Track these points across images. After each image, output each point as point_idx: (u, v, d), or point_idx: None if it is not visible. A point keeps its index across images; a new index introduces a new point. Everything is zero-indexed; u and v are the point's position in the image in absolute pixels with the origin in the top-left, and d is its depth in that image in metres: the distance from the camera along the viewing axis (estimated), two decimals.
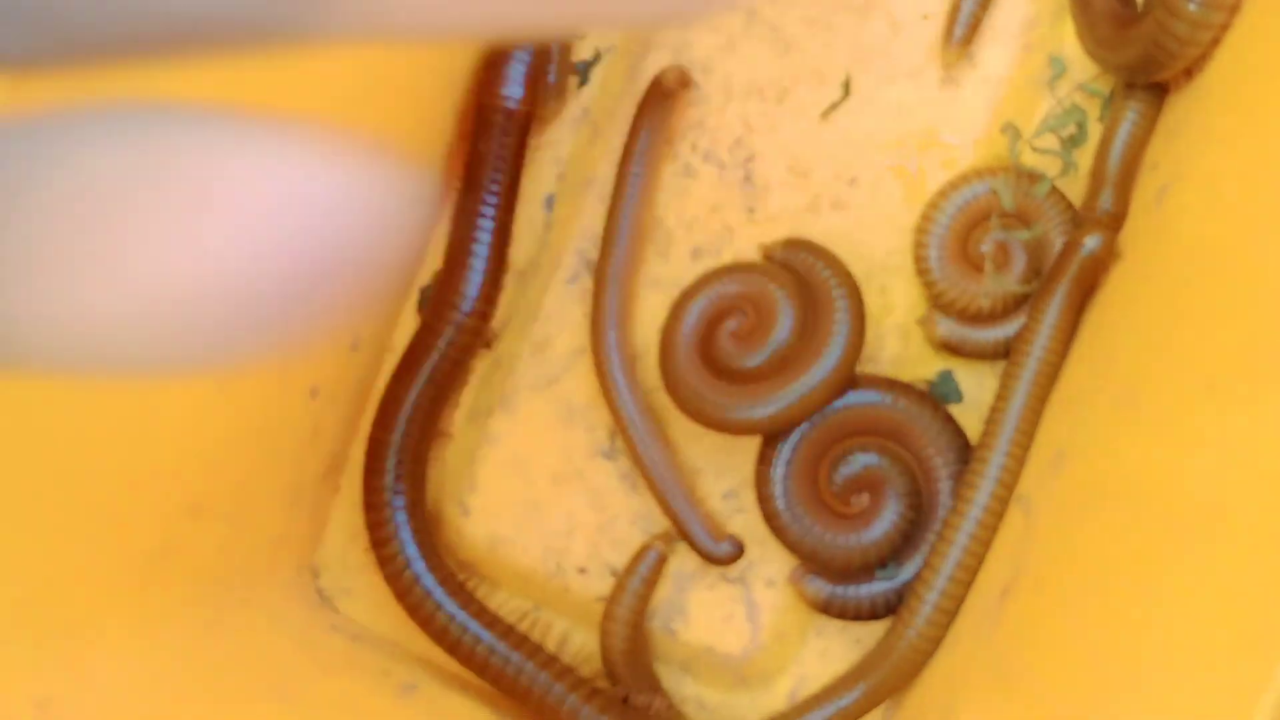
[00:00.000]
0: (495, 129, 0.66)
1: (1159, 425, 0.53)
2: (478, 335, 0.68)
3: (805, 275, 0.65)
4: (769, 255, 0.65)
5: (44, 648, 0.49)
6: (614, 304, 0.66)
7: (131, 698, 0.52)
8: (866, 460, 0.64)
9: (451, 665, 0.66)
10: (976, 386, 0.67)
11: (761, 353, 0.64)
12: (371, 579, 0.69)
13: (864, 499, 0.65)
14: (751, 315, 0.65)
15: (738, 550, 0.67)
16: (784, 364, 0.64)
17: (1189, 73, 0.60)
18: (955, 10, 0.66)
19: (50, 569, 0.50)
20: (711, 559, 0.67)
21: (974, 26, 0.65)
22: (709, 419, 0.65)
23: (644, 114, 0.66)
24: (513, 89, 0.66)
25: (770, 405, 0.65)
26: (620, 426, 0.66)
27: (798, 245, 0.66)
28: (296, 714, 0.62)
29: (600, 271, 0.66)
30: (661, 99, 0.66)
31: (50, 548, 0.50)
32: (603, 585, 0.68)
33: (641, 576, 0.65)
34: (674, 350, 0.65)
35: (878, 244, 0.67)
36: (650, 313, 0.67)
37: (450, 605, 0.66)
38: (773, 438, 0.65)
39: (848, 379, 0.64)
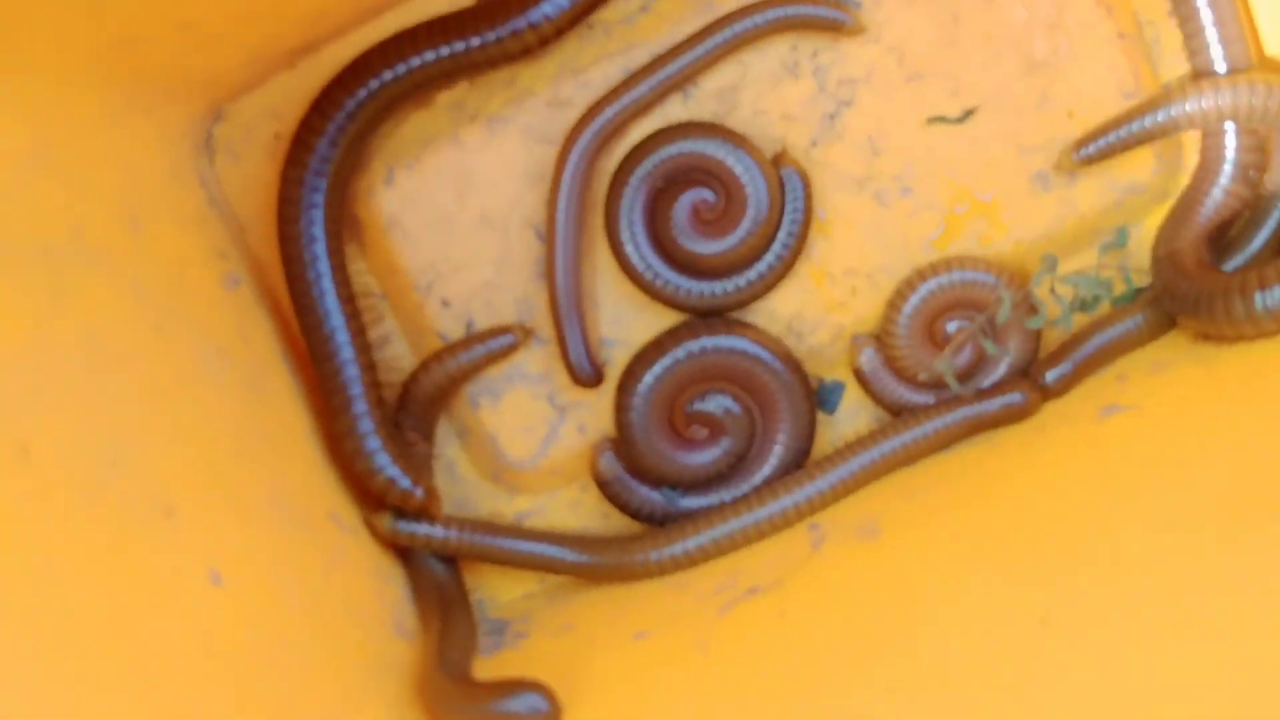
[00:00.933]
0: None
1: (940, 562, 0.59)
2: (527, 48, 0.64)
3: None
4: (778, 159, 0.65)
5: None
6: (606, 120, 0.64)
7: None
8: (724, 404, 0.67)
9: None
10: (852, 413, 0.70)
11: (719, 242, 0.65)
12: (262, 169, 0.66)
13: (702, 433, 0.68)
14: (721, 201, 0.65)
15: (596, 380, 0.68)
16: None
17: (1209, 336, 0.64)
18: (1102, 133, 0.66)
19: None
20: (571, 370, 0.67)
21: (1103, 156, 0.66)
22: (639, 281, 0.66)
23: None
24: None
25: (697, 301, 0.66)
26: (550, 215, 0.65)
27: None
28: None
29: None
30: None
31: None
32: (450, 328, 0.68)
33: (487, 349, 0.66)
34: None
35: (887, 252, 0.68)
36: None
37: (318, 248, 0.64)
38: (673, 334, 0.66)
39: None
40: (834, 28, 0.66)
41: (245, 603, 0.52)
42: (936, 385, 0.68)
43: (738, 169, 0.65)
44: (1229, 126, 0.65)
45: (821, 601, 0.61)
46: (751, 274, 0.67)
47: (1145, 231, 0.68)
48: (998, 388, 0.66)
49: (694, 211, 0.65)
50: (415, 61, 0.64)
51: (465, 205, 0.67)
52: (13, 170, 0.49)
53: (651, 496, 0.69)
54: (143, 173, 0.59)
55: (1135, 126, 0.65)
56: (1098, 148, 0.65)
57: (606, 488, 0.69)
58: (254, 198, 0.67)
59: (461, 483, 0.71)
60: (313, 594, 0.60)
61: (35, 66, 0.48)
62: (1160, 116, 0.65)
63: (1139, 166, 0.67)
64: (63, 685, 0.43)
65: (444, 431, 0.70)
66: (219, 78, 0.64)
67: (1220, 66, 0.64)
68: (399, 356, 0.69)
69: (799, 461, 0.68)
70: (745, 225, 0.65)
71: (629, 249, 0.66)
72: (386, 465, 0.64)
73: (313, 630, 0.57)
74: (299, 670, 0.54)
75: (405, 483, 0.64)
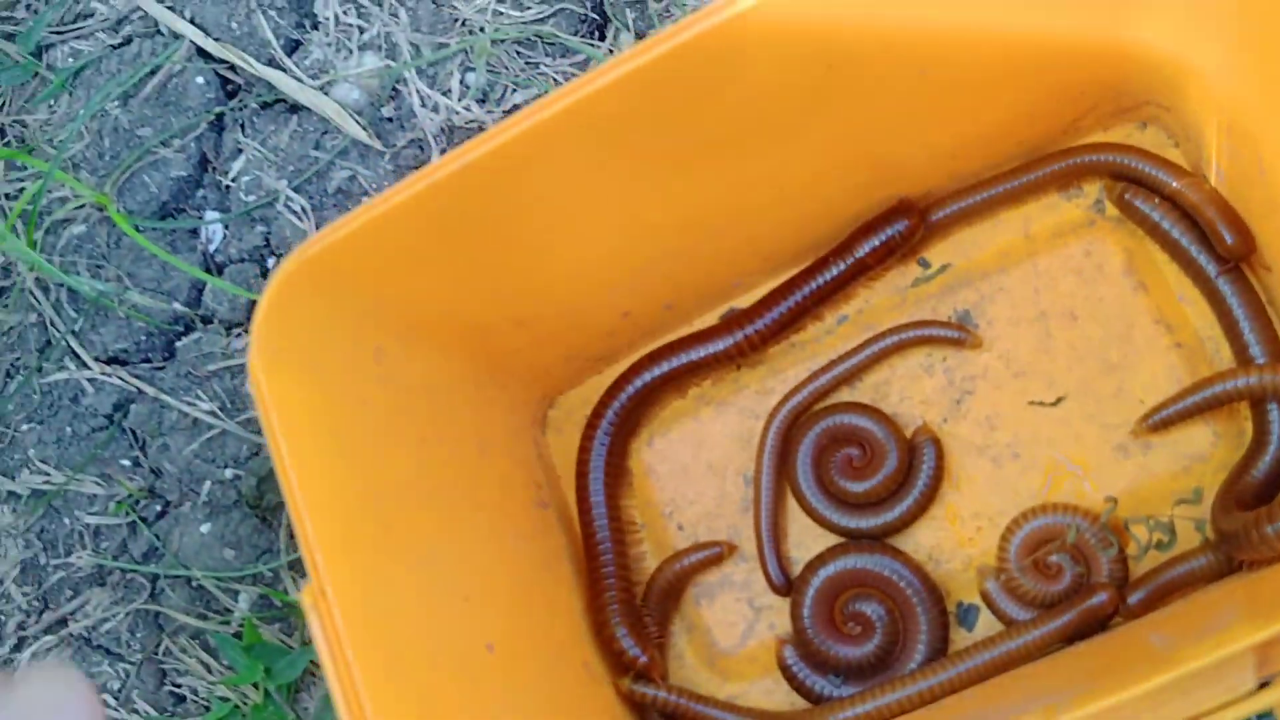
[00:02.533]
0: None
1: None
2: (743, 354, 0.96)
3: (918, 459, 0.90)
4: (917, 436, 0.90)
5: None
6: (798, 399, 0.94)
7: None
8: (874, 610, 0.89)
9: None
10: (988, 630, 0.90)
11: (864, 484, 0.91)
12: (574, 438, 1.00)
13: (856, 628, 0.90)
14: (862, 455, 0.90)
15: (787, 589, 0.93)
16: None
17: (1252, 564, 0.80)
18: (1173, 402, 0.86)
19: None
20: (768, 578, 0.93)
21: (1166, 425, 0.86)
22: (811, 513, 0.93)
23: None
24: None
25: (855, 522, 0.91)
26: (756, 467, 0.93)
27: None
28: None
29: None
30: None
31: None
32: (682, 542, 0.96)
33: (701, 555, 0.93)
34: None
35: (1004, 501, 0.91)
36: None
37: (599, 488, 0.96)
38: (832, 551, 0.91)
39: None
40: (959, 343, 0.93)
41: (512, 664, 0.80)
42: (1049, 605, 0.87)
43: (878, 434, 0.91)
44: (1272, 405, 0.84)
45: None
46: (894, 512, 0.91)
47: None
48: (1084, 591, 0.84)
49: (847, 461, 0.92)
50: (665, 367, 0.97)
51: (698, 459, 0.97)
52: (448, 397, 0.85)
53: (817, 683, 0.91)
54: (493, 422, 0.95)
55: (1190, 401, 0.85)
56: (1161, 417, 0.86)
57: (786, 672, 0.92)
58: (567, 455, 1.00)
59: (687, 668, 0.96)
60: (559, 708, 0.87)
61: (430, 338, 0.86)
62: (1207, 393, 0.84)
63: (1200, 440, 0.87)
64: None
65: (677, 627, 0.97)
66: (550, 372, 0.99)
67: (1259, 355, 0.85)
68: (646, 569, 0.97)
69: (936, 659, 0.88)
70: (881, 474, 0.90)
71: (804, 489, 0.93)
72: (622, 636, 0.91)
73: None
74: None
75: (634, 651, 0.91)
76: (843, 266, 0.93)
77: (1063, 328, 0.91)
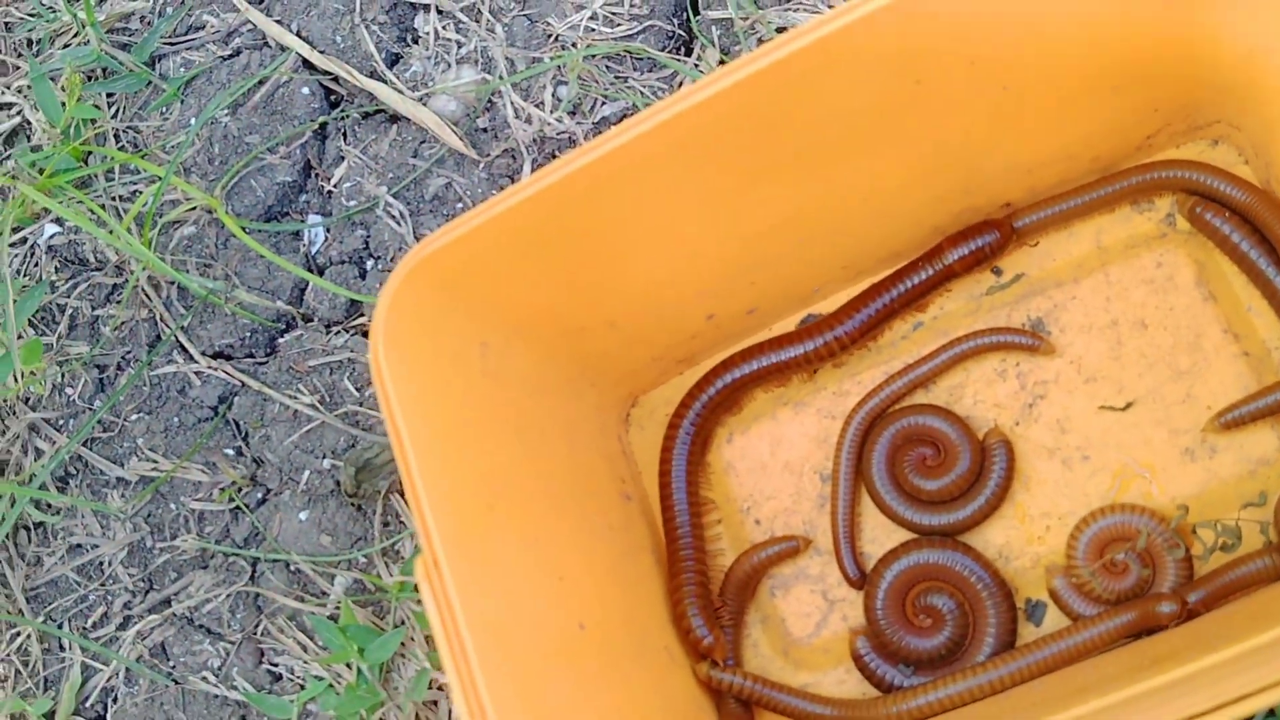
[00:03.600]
0: None
1: None
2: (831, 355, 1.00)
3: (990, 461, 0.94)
4: (989, 437, 0.94)
5: None
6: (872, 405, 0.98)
7: None
8: (945, 603, 0.93)
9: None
10: (1055, 626, 0.93)
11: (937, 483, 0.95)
12: (656, 435, 1.04)
13: (926, 621, 0.94)
14: (935, 455, 0.95)
15: (861, 581, 0.97)
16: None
17: None
18: (1245, 403, 0.89)
19: None
20: (844, 572, 0.97)
21: (1246, 421, 0.89)
22: (885, 509, 0.97)
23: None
24: None
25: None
26: (835, 465, 0.97)
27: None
28: None
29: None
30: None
31: None
32: (760, 539, 1.00)
33: (778, 548, 0.97)
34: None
35: (1073, 502, 0.94)
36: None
37: (681, 482, 1.00)
38: (905, 547, 0.95)
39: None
40: (1031, 350, 0.96)
41: (602, 643, 0.85)
42: (1115, 602, 0.90)
43: (952, 435, 0.95)
44: None
45: None
46: (966, 510, 0.95)
47: None
48: (1152, 597, 0.88)
49: (921, 460, 0.96)
50: (747, 369, 1.01)
51: (776, 457, 1.02)
52: (543, 392, 0.91)
53: (890, 672, 0.95)
54: (583, 417, 1.00)
55: (1261, 403, 0.88)
56: (1233, 416, 0.89)
57: (859, 661, 0.96)
58: (648, 450, 1.05)
59: (761, 657, 1.00)
60: (643, 687, 0.92)
61: (529, 336, 0.91)
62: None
63: (1266, 445, 0.90)
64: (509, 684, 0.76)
65: (753, 617, 1.01)
66: (636, 372, 1.04)
67: None
68: (723, 564, 1.02)
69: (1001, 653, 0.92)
70: (954, 473, 0.94)
71: (880, 486, 0.97)
72: (693, 616, 0.96)
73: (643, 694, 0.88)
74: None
75: (702, 631, 0.95)
76: (930, 272, 0.97)
77: (1133, 335, 0.95)
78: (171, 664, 1.16)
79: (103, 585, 1.20)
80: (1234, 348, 0.92)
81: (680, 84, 1.15)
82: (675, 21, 1.17)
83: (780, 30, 1.12)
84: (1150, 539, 0.89)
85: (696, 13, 1.17)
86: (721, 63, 1.14)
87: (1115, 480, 0.93)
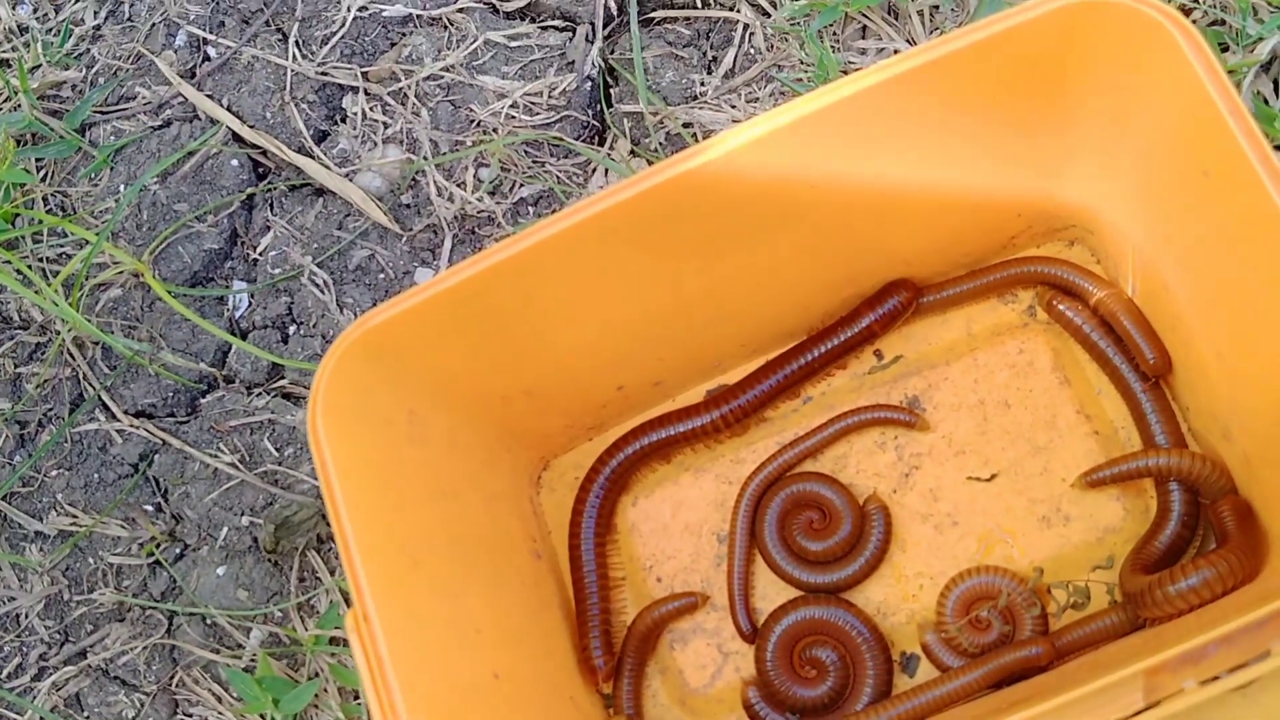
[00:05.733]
0: None
1: None
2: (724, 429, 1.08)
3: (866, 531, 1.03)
4: (869, 504, 1.04)
5: None
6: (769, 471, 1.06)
7: None
8: (828, 655, 1.02)
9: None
10: (926, 677, 1.02)
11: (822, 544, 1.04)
12: (566, 496, 1.12)
13: (811, 672, 1.02)
14: (821, 519, 1.04)
15: (753, 636, 1.05)
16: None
17: (1153, 620, 0.93)
18: (1117, 463, 0.99)
19: None
20: (738, 626, 1.05)
21: (1107, 483, 0.99)
22: (775, 569, 1.05)
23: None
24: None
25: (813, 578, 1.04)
26: (732, 527, 1.06)
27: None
28: None
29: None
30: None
31: None
32: (660, 593, 1.08)
33: (678, 604, 1.05)
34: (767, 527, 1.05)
35: (943, 563, 1.04)
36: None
37: (589, 543, 1.08)
38: (793, 603, 1.03)
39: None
40: (908, 425, 1.06)
41: (514, 693, 0.92)
42: (979, 655, 1.00)
43: (836, 501, 1.04)
44: (1173, 486, 0.98)
45: None
46: (848, 570, 1.04)
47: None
48: (1015, 644, 0.97)
49: (808, 524, 1.05)
50: (654, 437, 1.10)
51: (676, 519, 1.10)
52: (465, 456, 0.98)
53: None
54: (499, 479, 1.07)
55: (1125, 466, 0.98)
56: (1098, 476, 0.99)
57: (750, 710, 1.03)
58: (557, 511, 1.13)
59: (660, 706, 1.07)
60: None
61: (453, 403, 0.98)
62: (1135, 464, 0.98)
63: (1112, 514, 1.01)
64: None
65: (653, 669, 1.08)
66: (549, 438, 1.12)
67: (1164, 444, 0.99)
68: (631, 616, 1.09)
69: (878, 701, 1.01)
70: (837, 536, 1.03)
71: (771, 547, 1.06)
72: (597, 651, 1.03)
73: None
74: None
75: (600, 662, 1.03)
76: (851, 333, 1.05)
77: (998, 414, 1.05)
78: (86, 715, 1.19)
79: (18, 636, 1.22)
80: (1085, 427, 1.04)
81: (593, 170, 1.24)
82: (590, 113, 1.26)
83: (686, 125, 1.22)
84: (1011, 598, 0.99)
85: (609, 106, 1.26)
86: (632, 153, 1.24)
87: (981, 544, 1.03)
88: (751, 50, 1.25)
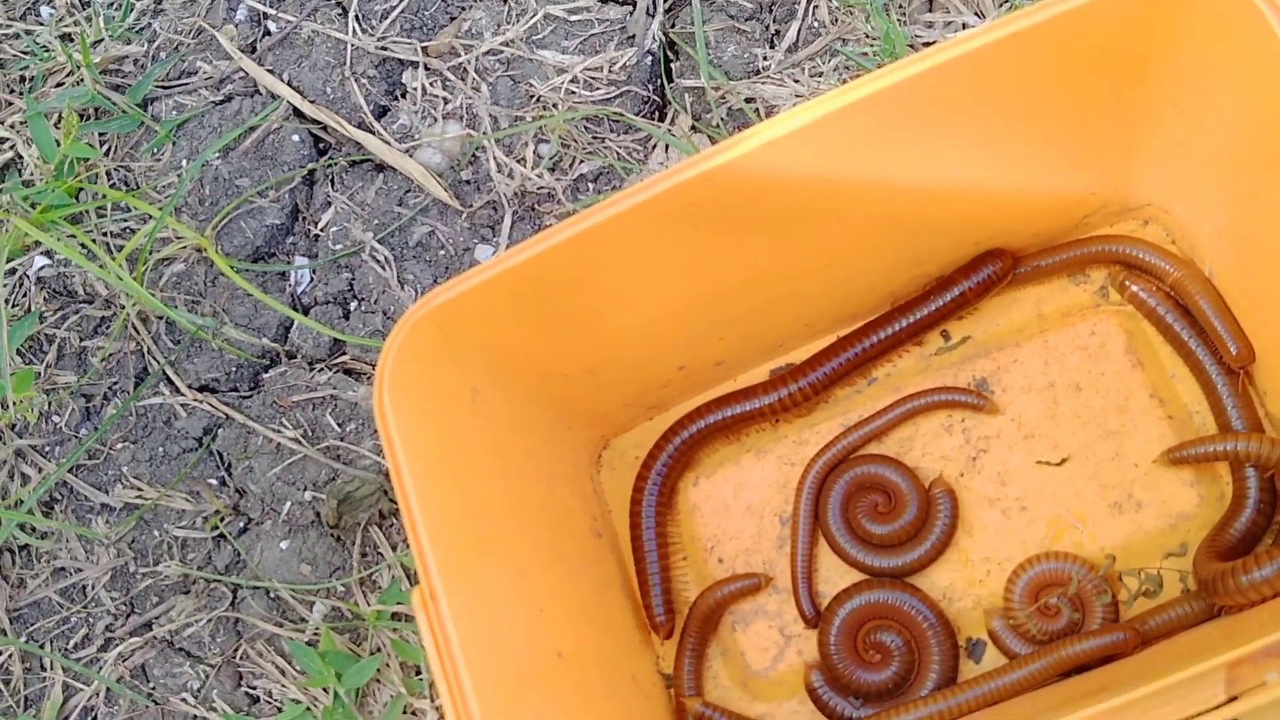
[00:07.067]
0: None
1: None
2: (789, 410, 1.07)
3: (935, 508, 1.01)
4: (935, 487, 1.02)
5: None
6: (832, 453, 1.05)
7: None
8: (893, 640, 1.01)
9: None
10: (993, 664, 1.01)
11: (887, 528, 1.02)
12: (626, 475, 1.11)
13: (876, 656, 1.01)
14: (886, 502, 1.03)
15: (816, 619, 1.04)
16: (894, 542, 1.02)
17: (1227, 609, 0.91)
18: (1198, 444, 0.96)
19: None
20: (800, 609, 1.04)
21: (1187, 461, 0.97)
22: (839, 552, 1.04)
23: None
24: None
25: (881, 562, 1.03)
26: (795, 509, 1.05)
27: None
28: None
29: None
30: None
31: None
32: (721, 573, 1.07)
33: (740, 584, 1.04)
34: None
35: (1011, 549, 1.02)
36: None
37: (649, 522, 1.07)
38: (857, 587, 1.02)
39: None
40: (976, 408, 1.05)
41: (577, 671, 0.92)
42: (1048, 642, 0.98)
43: (902, 484, 1.03)
44: (1249, 471, 0.96)
45: None
46: (914, 554, 1.02)
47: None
48: (1084, 634, 0.95)
49: (873, 507, 1.04)
50: (717, 417, 1.09)
51: (738, 500, 1.09)
52: (527, 434, 0.98)
53: (840, 704, 1.02)
54: (560, 458, 1.07)
55: (1208, 448, 0.96)
56: (1188, 454, 0.97)
57: (813, 694, 1.03)
58: (618, 490, 1.12)
59: (721, 688, 1.07)
60: (613, 714, 0.98)
61: (516, 381, 0.98)
62: (1216, 447, 0.96)
63: (1186, 501, 0.99)
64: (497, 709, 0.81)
65: (714, 650, 1.08)
66: (609, 417, 1.11)
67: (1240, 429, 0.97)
68: (693, 594, 1.09)
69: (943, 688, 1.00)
70: (902, 520, 1.02)
71: (834, 530, 1.04)
72: (659, 608, 1.03)
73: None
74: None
75: (662, 618, 1.03)
76: (945, 301, 1.03)
77: (1068, 397, 1.03)
78: (151, 685, 1.20)
79: (85, 608, 1.24)
80: (1159, 411, 1.02)
81: (653, 146, 1.23)
82: (650, 88, 1.24)
83: (748, 100, 1.20)
84: (1081, 585, 0.97)
85: (670, 81, 1.25)
86: (693, 129, 1.22)
87: (1050, 530, 1.02)
88: (815, 24, 1.23)
